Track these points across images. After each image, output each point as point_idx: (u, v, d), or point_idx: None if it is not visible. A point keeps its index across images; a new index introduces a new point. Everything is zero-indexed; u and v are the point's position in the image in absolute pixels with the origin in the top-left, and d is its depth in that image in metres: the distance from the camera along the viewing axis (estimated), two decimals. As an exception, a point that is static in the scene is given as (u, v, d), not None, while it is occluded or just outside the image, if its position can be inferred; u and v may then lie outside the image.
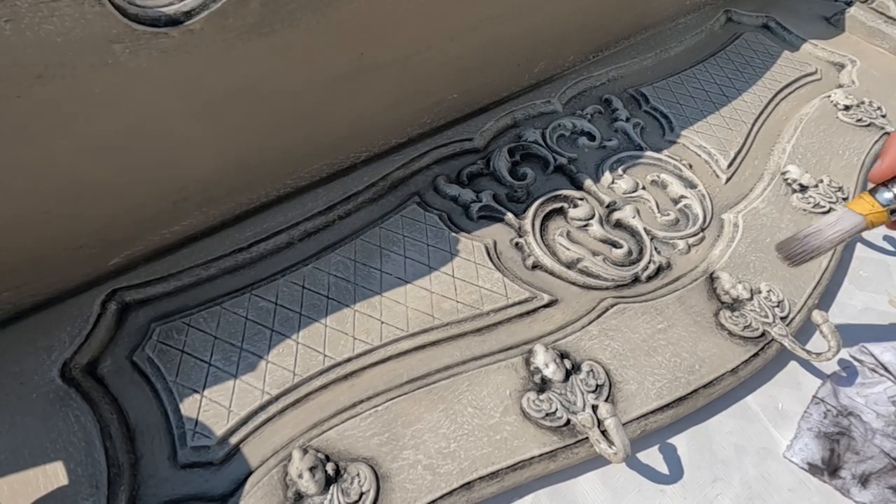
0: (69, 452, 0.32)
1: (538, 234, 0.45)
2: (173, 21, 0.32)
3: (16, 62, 0.28)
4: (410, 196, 0.47)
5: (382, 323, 0.39)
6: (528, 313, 0.40)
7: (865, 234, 0.50)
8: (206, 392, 0.35)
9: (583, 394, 0.36)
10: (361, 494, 0.31)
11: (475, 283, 0.41)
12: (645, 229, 0.46)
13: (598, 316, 0.40)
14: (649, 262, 0.44)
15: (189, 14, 0.32)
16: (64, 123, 0.31)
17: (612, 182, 0.50)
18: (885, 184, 0.32)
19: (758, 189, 0.51)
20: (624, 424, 0.35)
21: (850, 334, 0.43)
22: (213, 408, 0.34)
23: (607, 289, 0.42)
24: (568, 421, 0.35)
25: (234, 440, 0.33)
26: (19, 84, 0.29)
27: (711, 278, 0.43)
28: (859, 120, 0.57)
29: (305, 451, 0.32)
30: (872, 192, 0.32)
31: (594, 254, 0.44)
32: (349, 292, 0.40)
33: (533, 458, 0.34)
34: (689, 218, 0.48)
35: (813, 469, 0.36)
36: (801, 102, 0.60)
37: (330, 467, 0.32)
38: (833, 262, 0.45)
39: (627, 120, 0.55)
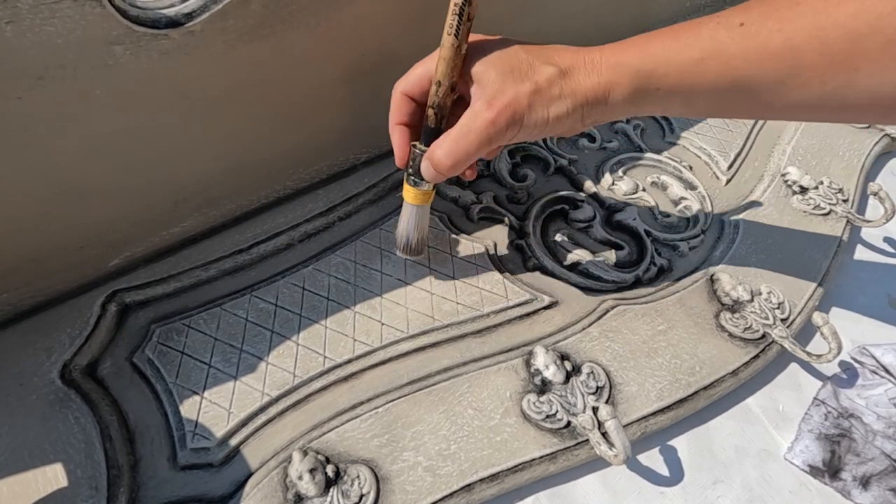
0: (69, 454, 0.32)
1: (539, 236, 0.45)
2: (174, 23, 0.32)
3: (17, 63, 0.28)
4: (411, 197, 0.47)
5: (383, 324, 0.39)
6: (528, 315, 0.40)
7: (865, 236, 0.50)
8: (206, 393, 0.35)
9: (583, 395, 0.36)
10: (361, 496, 0.31)
11: (475, 284, 0.41)
12: (646, 231, 0.46)
13: (599, 318, 0.40)
14: (650, 264, 0.44)
15: (190, 16, 0.32)
16: (64, 124, 0.31)
17: (613, 184, 0.50)
18: (410, 173, 0.35)
19: (758, 191, 0.51)
20: (624, 426, 0.35)
21: (851, 336, 0.43)
22: (213, 409, 0.34)
23: (608, 290, 0.42)
24: (568, 423, 0.35)
25: (233, 442, 0.33)
26: (20, 85, 0.29)
27: (712, 280, 0.43)
28: (859, 122, 0.57)
29: (305, 453, 0.32)
30: (410, 182, 0.36)
31: (595, 255, 0.44)
32: (349, 294, 0.40)
33: (533, 460, 0.34)
34: (689, 219, 0.48)
35: (814, 471, 0.36)
36: (801, 104, 0.60)
37: (330, 469, 0.32)
38: (833, 263, 0.45)
39: (628, 122, 0.55)
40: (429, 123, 0.34)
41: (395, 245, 0.40)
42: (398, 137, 0.35)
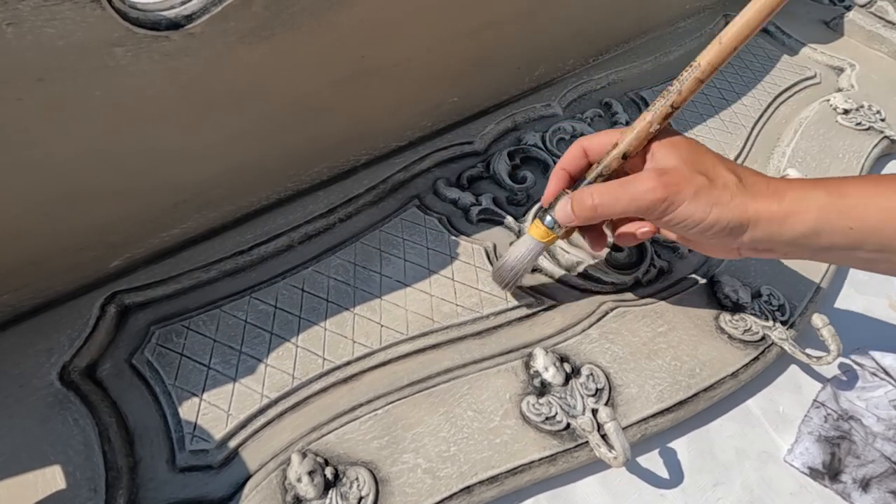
0: (68, 456, 0.32)
1: (538, 238, 0.45)
2: (174, 24, 0.32)
3: (17, 65, 0.28)
4: (410, 199, 0.47)
5: (382, 326, 0.39)
6: (528, 317, 0.40)
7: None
8: (206, 395, 0.35)
9: (583, 397, 0.36)
10: (360, 499, 0.31)
11: (475, 286, 0.41)
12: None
13: (598, 319, 0.40)
14: (650, 266, 0.44)
15: (190, 17, 0.32)
16: (65, 126, 0.32)
17: (612, 185, 0.49)
18: (546, 209, 0.36)
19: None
20: (624, 428, 0.34)
21: (851, 338, 0.43)
22: (212, 411, 0.34)
23: (607, 292, 0.42)
24: (568, 425, 0.35)
25: (232, 444, 0.33)
26: (20, 87, 0.29)
27: (711, 282, 0.43)
28: (858, 124, 0.57)
29: (304, 455, 0.32)
30: (541, 217, 0.36)
31: (594, 257, 0.44)
32: (349, 295, 0.40)
33: (533, 462, 0.34)
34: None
35: (814, 473, 0.36)
36: (801, 106, 0.60)
37: (329, 471, 0.32)
38: (833, 266, 0.45)
39: (627, 123, 0.55)
40: (587, 177, 0.35)
41: (493, 272, 0.40)
42: (556, 180, 0.36)
